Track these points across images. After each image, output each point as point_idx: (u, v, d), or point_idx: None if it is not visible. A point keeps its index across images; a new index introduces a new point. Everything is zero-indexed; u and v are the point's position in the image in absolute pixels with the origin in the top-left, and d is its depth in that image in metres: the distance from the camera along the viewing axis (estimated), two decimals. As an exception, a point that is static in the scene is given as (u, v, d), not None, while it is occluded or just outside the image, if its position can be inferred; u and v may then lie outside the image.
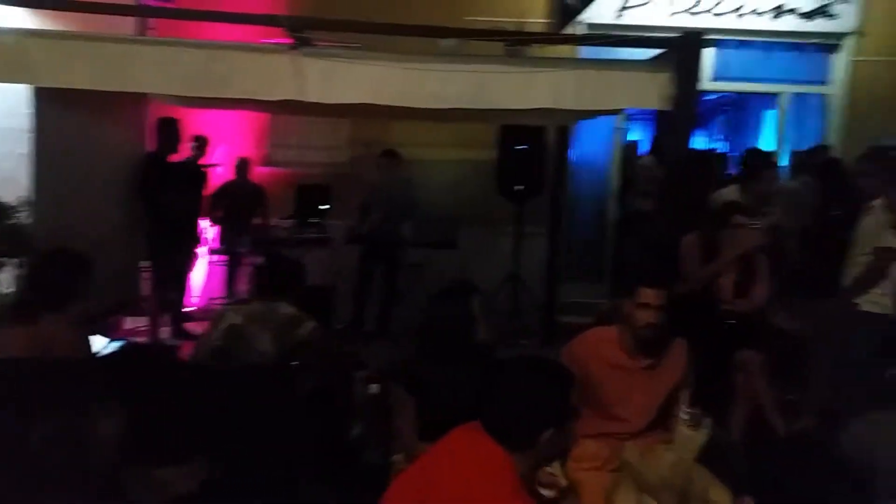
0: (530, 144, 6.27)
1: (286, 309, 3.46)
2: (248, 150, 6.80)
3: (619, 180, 7.09)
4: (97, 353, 2.89)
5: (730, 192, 4.19)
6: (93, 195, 4.61)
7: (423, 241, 6.32)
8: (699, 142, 7.60)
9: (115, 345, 2.86)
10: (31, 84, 3.87)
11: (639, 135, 9.18)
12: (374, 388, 3.68)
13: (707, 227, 3.62)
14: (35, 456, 1.60)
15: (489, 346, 2.67)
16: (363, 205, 6.30)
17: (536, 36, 5.20)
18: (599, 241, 7.19)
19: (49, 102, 4.09)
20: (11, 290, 4.05)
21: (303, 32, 3.65)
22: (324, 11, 5.39)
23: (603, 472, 1.63)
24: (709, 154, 6.52)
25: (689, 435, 2.41)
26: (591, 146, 7.10)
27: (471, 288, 2.68)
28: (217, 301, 6.21)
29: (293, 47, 3.59)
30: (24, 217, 4.12)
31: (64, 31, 4.03)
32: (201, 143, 6.03)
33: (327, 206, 6.59)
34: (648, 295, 2.58)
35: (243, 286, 6.22)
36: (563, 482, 1.86)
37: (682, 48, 3.54)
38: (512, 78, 3.59)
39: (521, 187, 6.32)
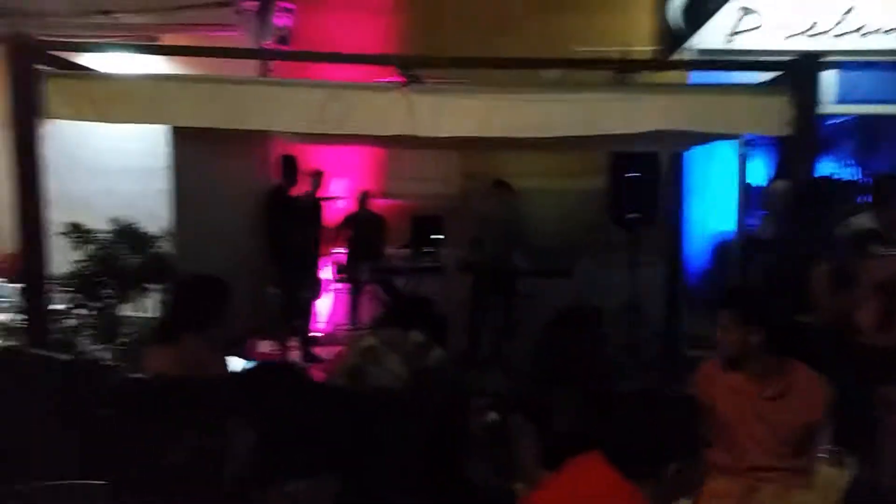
0: (643, 171, 6.15)
1: (417, 336, 3.65)
2: (367, 183, 7.10)
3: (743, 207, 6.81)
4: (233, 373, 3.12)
5: (862, 220, 3.93)
6: (225, 226, 4.98)
7: (538, 271, 6.31)
8: (826, 167, 7.16)
9: (250, 365, 3.06)
10: (168, 124, 4.24)
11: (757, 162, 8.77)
12: (492, 416, 3.72)
13: (839, 256, 3.42)
14: (175, 468, 1.75)
15: (608, 374, 2.65)
16: (475, 235, 6.41)
17: (645, 63, 5.13)
18: (723, 271, 6.89)
19: (184, 141, 4.49)
20: (156, 313, 4.44)
21: (413, 70, 3.81)
22: (433, 49, 5.63)
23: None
24: (835, 180, 6.12)
25: (831, 475, 2.25)
26: (711, 173, 6.86)
27: (590, 315, 2.67)
28: (342, 327, 6.47)
29: (404, 85, 3.74)
30: (165, 247, 4.51)
31: (197, 75, 4.42)
32: (318, 177, 6.37)
33: (440, 236, 6.74)
34: (720, 315, 2.55)
35: (366, 312, 6.50)
36: None
37: (798, 71, 3.39)
38: (621, 104, 3.57)
39: (635, 215, 6.20)
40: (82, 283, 4.18)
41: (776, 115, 3.39)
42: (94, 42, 5.11)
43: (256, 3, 6.51)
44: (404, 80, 3.76)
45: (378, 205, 6.98)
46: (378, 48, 6.62)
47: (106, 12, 6.44)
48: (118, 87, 3.85)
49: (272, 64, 6.48)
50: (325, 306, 6.82)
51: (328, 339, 6.48)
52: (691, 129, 3.62)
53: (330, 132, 3.85)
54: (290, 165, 5.93)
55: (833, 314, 3.41)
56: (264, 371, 1.87)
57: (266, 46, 6.45)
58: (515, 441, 2.33)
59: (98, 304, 4.18)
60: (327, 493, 1.58)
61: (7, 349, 3.74)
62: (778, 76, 3.78)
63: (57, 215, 5.84)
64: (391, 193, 7.23)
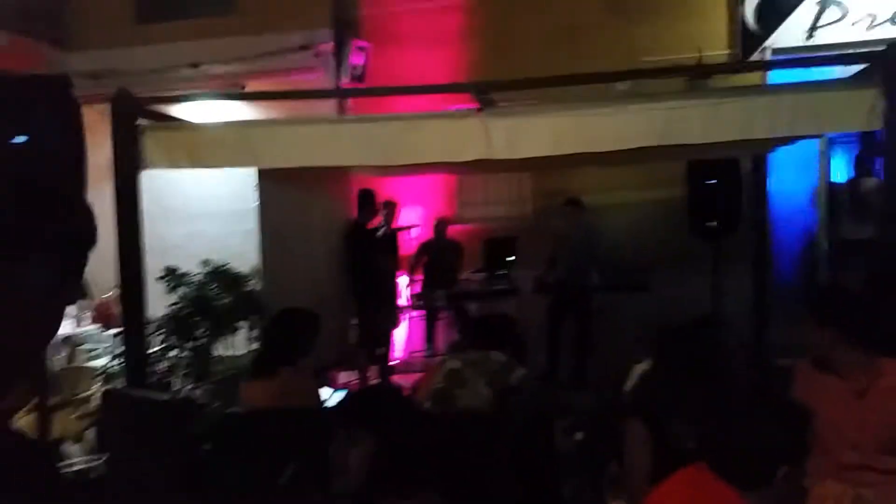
0: (721, 178, 6.01)
1: (499, 357, 3.68)
2: (440, 209, 7.20)
3: (828, 210, 6.55)
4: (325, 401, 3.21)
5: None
6: (309, 261, 5.13)
7: (614, 286, 6.23)
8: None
9: (342, 393, 3.16)
10: (256, 166, 4.43)
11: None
12: (579, 435, 3.69)
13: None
14: (281, 496, 1.81)
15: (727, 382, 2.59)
16: (550, 254, 6.40)
17: (720, 66, 5.05)
18: (810, 278, 6.63)
19: (270, 182, 4.67)
20: (250, 349, 4.61)
21: (487, 95, 3.87)
22: (504, 71, 5.68)
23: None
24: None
25: None
26: (792, 174, 6.64)
27: (709, 322, 2.63)
28: (419, 354, 6.54)
29: (479, 110, 3.81)
30: (254, 285, 4.69)
31: (279, 119, 4.63)
32: (391, 208, 6.49)
33: (513, 258, 6.75)
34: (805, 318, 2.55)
35: (442, 339, 6.55)
36: None
37: (889, 60, 3.27)
38: (698, 110, 3.51)
39: (715, 223, 6.05)
40: (177, 324, 4.36)
41: (866, 109, 3.27)
42: (185, 94, 5.39)
43: (333, 45, 6.76)
44: (478, 105, 3.82)
45: (452, 230, 7.05)
46: (450, 78, 6.75)
47: (195, 65, 6.82)
48: (209, 134, 4.07)
49: (350, 101, 6.72)
50: (401, 334, 6.91)
51: (405, 367, 6.56)
52: (775, 135, 3.53)
53: (408, 162, 3.94)
54: (366, 199, 6.07)
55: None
56: (372, 394, 1.93)
57: (343, 85, 6.68)
58: (629, 449, 2.28)
59: (192, 345, 4.36)
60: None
61: (109, 392, 3.94)
62: (864, 68, 3.66)
63: (150, 260, 6.18)
64: (464, 218, 7.30)
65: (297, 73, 7.00)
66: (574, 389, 5.80)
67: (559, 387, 5.89)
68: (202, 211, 7.32)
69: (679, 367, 2.37)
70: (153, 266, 6.13)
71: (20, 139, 3.14)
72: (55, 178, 3.28)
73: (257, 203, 4.71)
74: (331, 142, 3.95)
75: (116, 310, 6.78)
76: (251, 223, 7.87)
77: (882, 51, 3.39)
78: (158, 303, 4.48)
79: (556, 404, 4.64)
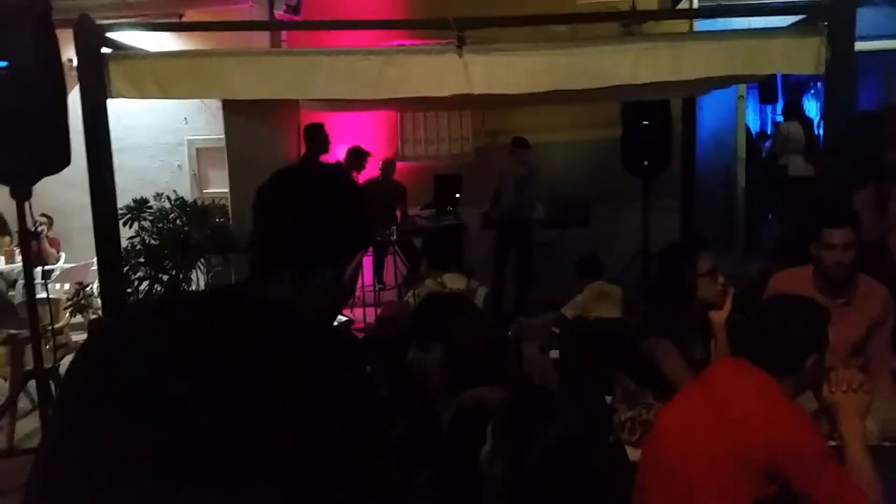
0: (654, 119, 6.40)
1: (458, 283, 3.92)
2: (381, 146, 7.25)
3: (745, 149, 7.13)
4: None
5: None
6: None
7: (556, 221, 6.58)
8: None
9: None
10: (229, 97, 4.36)
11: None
12: (553, 354, 4.00)
13: (880, 182, 3.73)
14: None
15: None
16: (494, 191, 6.64)
17: (657, 13, 5.35)
18: (730, 210, 7.22)
19: (234, 115, 4.64)
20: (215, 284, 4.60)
21: (462, 32, 3.98)
22: (438, 9, 5.67)
23: (860, 394, 1.84)
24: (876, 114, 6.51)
25: None
26: (713, 118, 7.14)
27: (698, 245, 2.87)
28: (368, 288, 6.69)
29: (458, 46, 3.91)
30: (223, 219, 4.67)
31: (255, 50, 4.54)
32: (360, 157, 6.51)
33: (458, 195, 6.95)
34: (835, 235, 2.74)
35: (390, 274, 6.72)
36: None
37: (835, 13, 3.64)
38: (666, 51, 3.79)
39: (647, 162, 6.48)
40: (147, 256, 4.31)
41: (813, 55, 3.65)
42: (116, 23, 5.12)
43: (266, -25, 6.56)
44: (457, 42, 3.91)
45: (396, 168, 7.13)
46: (388, 13, 6.72)
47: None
48: (179, 64, 3.96)
49: (284, 34, 6.59)
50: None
51: (355, 301, 6.67)
52: (732, 73, 3.86)
53: (387, 97, 4.01)
54: (315, 133, 6.06)
55: (875, 233, 3.71)
56: (437, 303, 2.12)
57: (278, 17, 6.52)
58: (663, 363, 2.52)
59: (165, 277, 4.32)
60: (500, 396, 1.83)
61: (97, 321, 3.91)
62: (803, 18, 4.03)
63: (73, 194, 5.92)
64: (406, 156, 7.40)
65: (230, 2, 6.76)
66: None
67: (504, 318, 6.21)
68: (129, 144, 7.03)
69: (680, 281, 2.66)
70: (75, 199, 5.91)
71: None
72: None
73: (225, 135, 4.64)
74: (309, 74, 3.95)
75: (44, 245, 6.53)
76: (182, 158, 7.70)
77: (824, 6, 3.76)
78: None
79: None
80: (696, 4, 6.78)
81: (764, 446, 1.72)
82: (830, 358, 2.08)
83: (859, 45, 6.53)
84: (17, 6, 3.10)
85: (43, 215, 6.62)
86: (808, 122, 7.23)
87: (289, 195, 1.19)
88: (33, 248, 6.27)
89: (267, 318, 1.08)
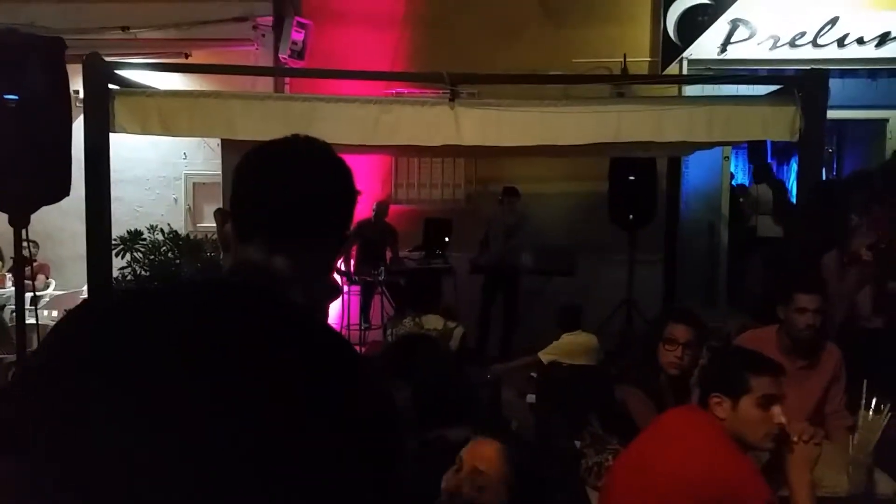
0: (640, 175, 6.61)
1: (435, 323, 4.07)
2: (375, 189, 7.40)
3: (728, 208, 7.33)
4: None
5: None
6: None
7: (543, 270, 6.71)
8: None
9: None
10: (229, 137, 4.51)
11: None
12: (530, 398, 4.08)
13: (844, 247, 3.88)
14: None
15: None
16: (483, 238, 6.79)
17: (665, 78, 5.61)
18: (712, 267, 7.38)
19: (233, 153, 4.76)
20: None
21: (456, 86, 4.17)
22: (441, 61, 5.89)
23: (811, 445, 1.93)
24: (846, 180, 6.73)
25: (873, 418, 2.50)
26: (699, 176, 7.35)
27: (675, 314, 2.99)
28: (354, 326, 6.76)
29: (451, 99, 4.10)
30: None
31: (258, 93, 4.71)
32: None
33: (448, 240, 7.07)
34: (805, 300, 2.85)
35: (377, 314, 6.81)
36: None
37: (807, 83, 3.86)
38: (649, 114, 3.98)
39: (632, 216, 6.66)
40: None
41: (788, 123, 3.84)
42: (122, 62, 5.31)
43: (272, 19, 6.79)
44: (449, 95, 4.10)
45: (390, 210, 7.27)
46: (389, 61, 6.96)
47: (125, 28, 6.65)
48: (183, 103, 4.12)
49: (287, 79, 6.81)
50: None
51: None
52: (710, 140, 4.06)
53: (382, 143, 4.18)
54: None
55: (840, 297, 3.86)
56: (407, 344, 2.22)
57: (282, 60, 6.72)
58: (634, 411, 2.59)
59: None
60: (464, 436, 1.91)
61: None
62: (780, 88, 4.25)
63: (68, 221, 5.98)
64: (399, 199, 7.56)
65: (235, 44, 6.98)
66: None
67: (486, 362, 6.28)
68: (127, 176, 7.16)
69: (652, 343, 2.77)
70: (69, 227, 5.99)
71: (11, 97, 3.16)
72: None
73: (223, 172, 4.77)
74: (308, 118, 4.11)
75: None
76: (178, 192, 7.83)
77: (798, 77, 3.98)
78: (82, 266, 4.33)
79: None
80: (685, 69, 7.05)
81: (710, 481, 1.81)
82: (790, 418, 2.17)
83: (847, 114, 6.97)
84: (32, 42, 3.25)
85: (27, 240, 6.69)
86: (778, 184, 7.48)
87: (293, 166, 1.09)
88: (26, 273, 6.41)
89: (273, 315, 0.93)
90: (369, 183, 7.47)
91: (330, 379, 0.89)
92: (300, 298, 1.03)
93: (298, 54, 6.82)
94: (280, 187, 1.06)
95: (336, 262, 1.20)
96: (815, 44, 6.84)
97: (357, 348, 5.37)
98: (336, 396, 0.88)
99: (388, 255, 7.05)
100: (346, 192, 1.12)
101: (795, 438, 1.95)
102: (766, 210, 7.01)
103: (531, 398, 3.98)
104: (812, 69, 4.02)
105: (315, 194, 1.07)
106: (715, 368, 2.17)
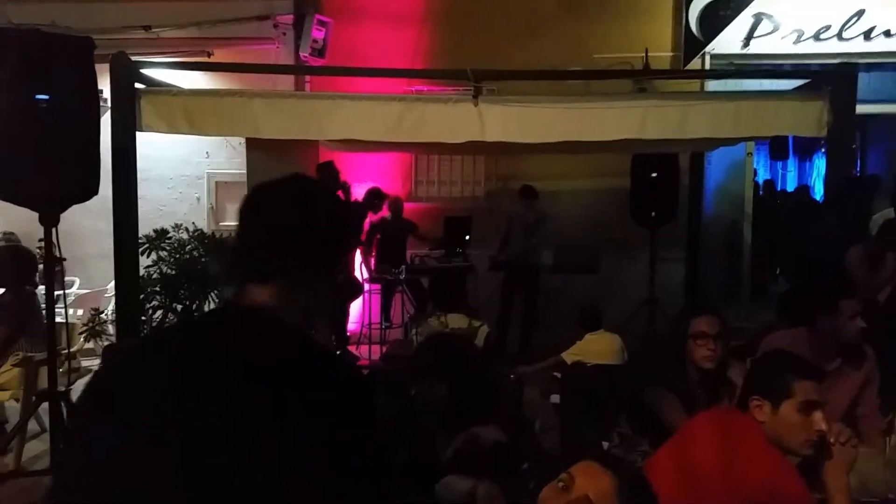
0: (662, 172, 6.55)
1: (460, 322, 4.06)
2: (395, 187, 7.40)
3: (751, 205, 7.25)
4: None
5: (887, 213, 4.34)
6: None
7: (564, 267, 6.69)
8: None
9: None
10: (255, 136, 4.53)
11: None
12: (554, 398, 4.07)
13: (871, 241, 3.83)
14: None
15: None
16: (503, 235, 6.77)
17: (692, 73, 5.58)
18: (736, 264, 7.31)
19: (257, 151, 4.81)
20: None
21: (479, 83, 4.16)
22: (461, 57, 5.88)
23: (847, 447, 1.90)
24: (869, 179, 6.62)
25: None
26: (722, 172, 7.27)
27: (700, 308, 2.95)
28: (375, 326, 6.77)
29: (474, 96, 4.09)
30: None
31: (281, 91, 4.73)
32: (345, 187, 6.61)
33: (468, 237, 7.05)
34: (849, 306, 2.83)
35: (397, 313, 6.81)
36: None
37: (836, 78, 3.80)
38: (674, 110, 3.95)
39: (654, 213, 6.60)
40: (164, 285, 4.43)
41: (816, 118, 3.80)
42: (143, 60, 5.36)
43: (293, 17, 6.81)
44: (473, 92, 4.09)
45: (407, 208, 7.27)
46: (409, 59, 6.95)
47: (147, 27, 6.70)
48: (209, 102, 4.15)
49: (307, 77, 6.82)
50: (356, 307, 7.08)
51: (361, 338, 6.76)
52: (736, 136, 4.01)
53: (405, 140, 4.18)
54: (331, 171, 6.20)
55: (868, 291, 3.79)
56: (447, 338, 2.23)
57: (303, 58, 6.74)
58: (666, 414, 2.56)
59: (179, 307, 4.44)
60: (495, 437, 1.91)
61: (110, 346, 4.01)
62: (807, 82, 4.20)
63: (92, 221, 6.04)
64: (419, 197, 7.56)
65: (256, 43, 7.00)
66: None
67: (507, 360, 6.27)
68: (151, 175, 7.22)
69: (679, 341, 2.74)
70: (94, 225, 6.04)
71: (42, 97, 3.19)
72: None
73: (247, 170, 4.80)
74: (331, 116, 4.13)
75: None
76: (201, 191, 7.89)
77: (828, 72, 3.93)
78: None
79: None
80: (707, 63, 6.98)
81: (768, 489, 1.78)
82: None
83: (872, 108, 6.85)
84: (62, 43, 3.28)
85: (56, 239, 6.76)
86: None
87: (278, 205, 1.18)
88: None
89: (274, 338, 1.09)
90: (390, 181, 7.47)
91: (321, 398, 1.03)
92: (295, 319, 1.13)
93: (319, 52, 6.83)
94: (259, 226, 1.16)
95: (332, 293, 1.23)
96: (840, 37, 6.74)
97: (377, 347, 5.41)
98: (325, 413, 1.01)
99: (409, 252, 7.05)
100: (332, 230, 1.20)
101: (832, 440, 1.92)
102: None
103: (555, 398, 3.96)
104: (842, 63, 3.96)
105: (295, 231, 1.15)
106: (758, 370, 2.13)
